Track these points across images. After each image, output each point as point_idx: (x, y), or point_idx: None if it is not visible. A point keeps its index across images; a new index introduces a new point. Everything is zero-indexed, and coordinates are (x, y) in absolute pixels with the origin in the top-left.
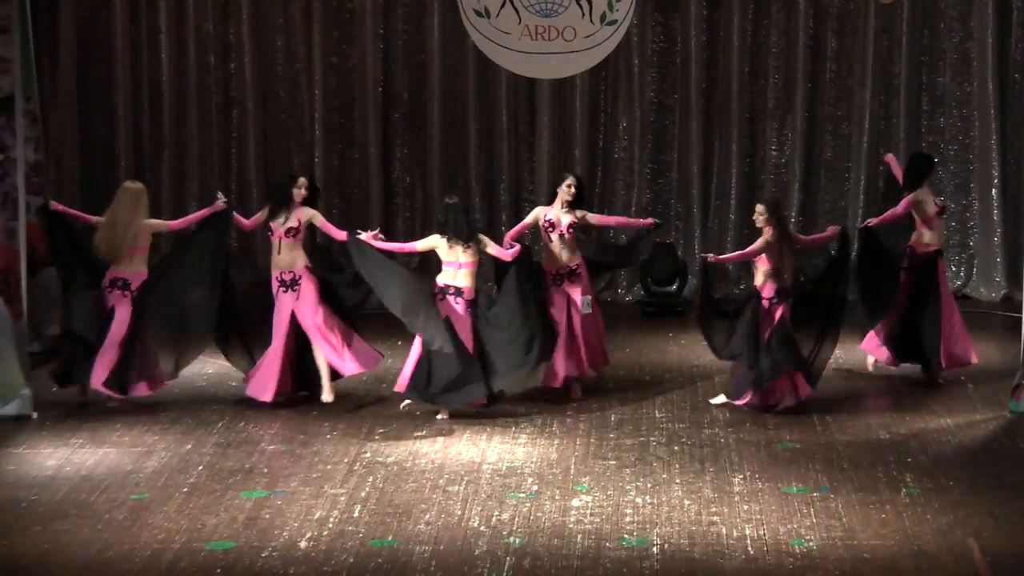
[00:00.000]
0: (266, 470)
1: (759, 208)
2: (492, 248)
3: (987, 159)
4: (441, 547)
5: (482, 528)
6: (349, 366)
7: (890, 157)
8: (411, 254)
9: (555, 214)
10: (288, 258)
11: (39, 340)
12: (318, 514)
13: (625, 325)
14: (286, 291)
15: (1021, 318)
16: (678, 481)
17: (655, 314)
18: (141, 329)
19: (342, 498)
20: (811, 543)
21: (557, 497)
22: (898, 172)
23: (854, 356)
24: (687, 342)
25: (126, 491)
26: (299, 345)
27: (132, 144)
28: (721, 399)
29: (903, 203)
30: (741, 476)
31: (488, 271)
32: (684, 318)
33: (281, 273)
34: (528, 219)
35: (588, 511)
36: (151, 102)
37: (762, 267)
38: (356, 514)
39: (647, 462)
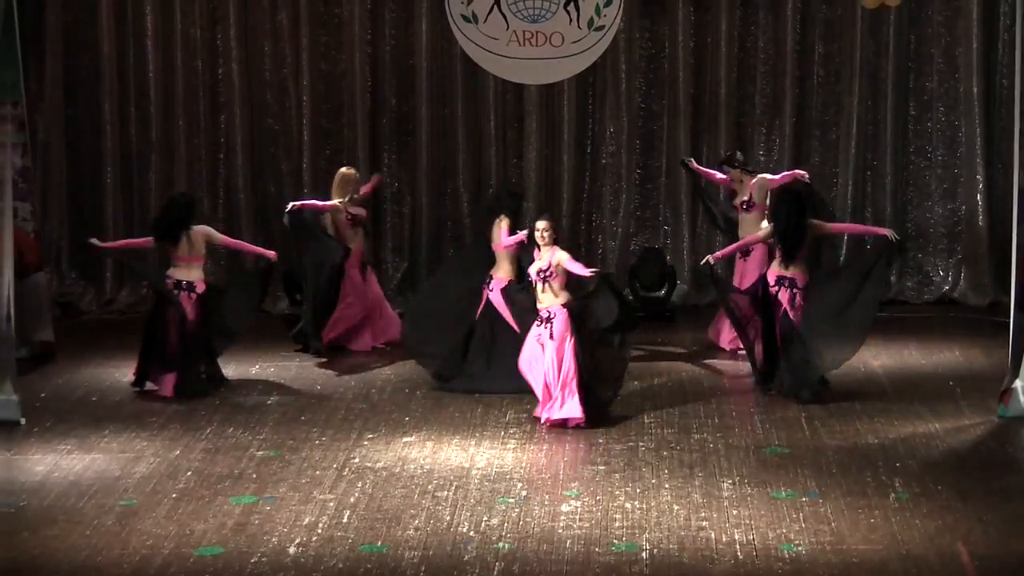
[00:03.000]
0: (255, 476)
1: (545, 224)
2: None
3: (973, 164)
4: (430, 553)
5: (471, 533)
6: None
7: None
8: None
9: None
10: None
11: (27, 346)
12: (307, 520)
13: None
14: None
15: (1009, 323)
16: (667, 486)
17: (643, 319)
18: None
19: (331, 504)
20: (800, 548)
21: (546, 502)
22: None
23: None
24: (675, 347)
25: (115, 497)
26: None
27: (119, 149)
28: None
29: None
30: (730, 481)
31: None
32: (672, 324)
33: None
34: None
35: (577, 516)
36: (138, 107)
37: (557, 282)
38: (345, 520)
39: (636, 467)
